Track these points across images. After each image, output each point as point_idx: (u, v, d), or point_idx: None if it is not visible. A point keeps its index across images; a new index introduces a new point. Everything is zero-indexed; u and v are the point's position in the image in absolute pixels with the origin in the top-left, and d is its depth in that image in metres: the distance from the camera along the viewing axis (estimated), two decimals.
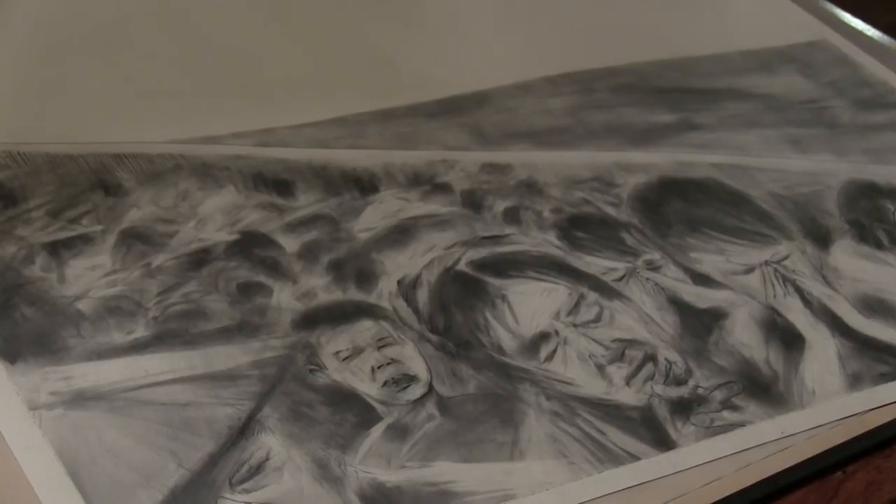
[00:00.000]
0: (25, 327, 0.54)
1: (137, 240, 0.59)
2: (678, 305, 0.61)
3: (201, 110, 0.68)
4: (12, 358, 0.52)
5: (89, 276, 0.57)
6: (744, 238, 0.65)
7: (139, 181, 0.62)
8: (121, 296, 0.56)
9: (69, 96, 0.68)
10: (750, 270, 0.63)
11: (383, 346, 0.56)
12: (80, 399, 0.51)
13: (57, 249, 0.58)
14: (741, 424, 0.55)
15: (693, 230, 0.65)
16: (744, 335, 0.60)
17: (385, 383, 0.54)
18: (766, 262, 0.64)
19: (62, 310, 0.55)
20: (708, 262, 0.63)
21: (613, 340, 0.58)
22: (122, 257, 0.58)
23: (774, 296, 0.62)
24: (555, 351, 0.57)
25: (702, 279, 0.62)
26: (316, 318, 0.56)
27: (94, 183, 0.62)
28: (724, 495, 0.53)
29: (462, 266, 0.61)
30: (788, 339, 0.60)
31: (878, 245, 0.66)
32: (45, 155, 0.63)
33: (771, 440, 0.55)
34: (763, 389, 0.57)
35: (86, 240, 0.58)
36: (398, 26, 0.78)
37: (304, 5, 0.78)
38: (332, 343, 0.55)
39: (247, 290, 0.57)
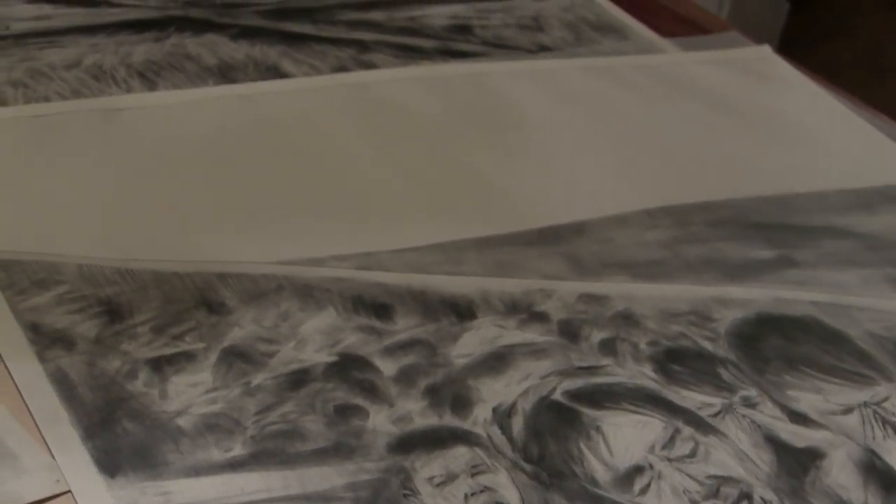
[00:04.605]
0: (127, 441, 0.55)
1: (238, 358, 0.60)
2: (774, 444, 0.60)
3: (304, 232, 0.69)
4: (113, 472, 0.53)
5: (190, 393, 0.58)
6: (842, 378, 0.65)
7: (242, 300, 0.63)
8: (220, 413, 0.57)
9: (175, 214, 0.69)
10: (848, 411, 0.63)
11: (477, 473, 0.56)
12: None
13: (160, 365, 0.59)
14: None
15: (791, 368, 0.65)
16: (841, 477, 0.59)
17: None
18: (865, 403, 0.63)
19: (163, 425, 0.56)
20: (805, 400, 0.63)
21: (708, 477, 0.58)
22: (223, 375, 0.59)
23: (874, 438, 0.61)
24: (649, 485, 0.57)
25: (799, 418, 0.62)
26: (411, 443, 0.57)
27: (198, 301, 0.63)
28: None
29: (557, 396, 0.61)
30: (888, 483, 0.59)
31: None
32: (151, 272, 0.64)
33: None
34: None
35: (188, 357, 0.60)
36: (499, 154, 0.79)
37: (408, 132, 0.80)
38: (427, 468, 0.56)
39: (343, 412, 0.58)
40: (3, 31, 0.84)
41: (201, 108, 0.79)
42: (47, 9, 0.88)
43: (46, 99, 0.78)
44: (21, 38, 0.84)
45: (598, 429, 0.59)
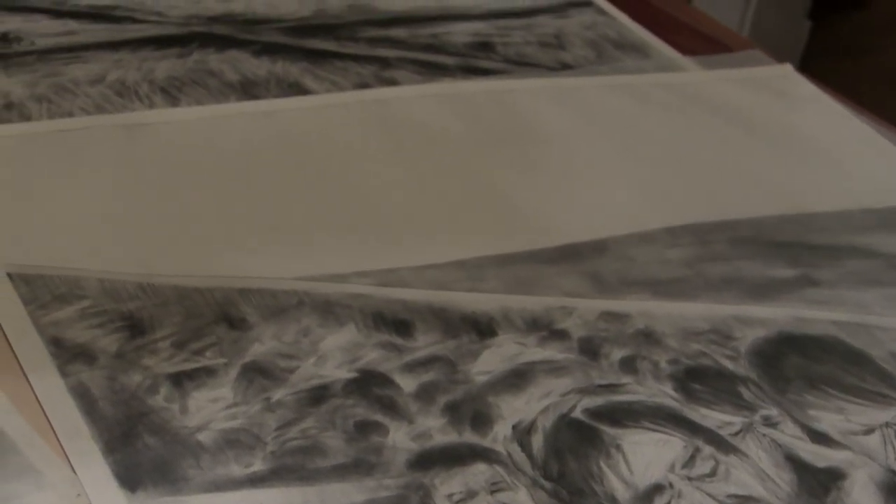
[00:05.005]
0: (147, 456, 0.55)
1: (259, 374, 0.60)
2: (795, 463, 0.60)
3: (326, 248, 0.69)
4: (133, 486, 0.53)
5: (211, 408, 0.58)
6: (864, 398, 0.64)
7: (263, 316, 0.63)
8: (240, 429, 0.57)
9: (197, 229, 0.70)
10: (870, 431, 0.62)
11: (496, 490, 0.56)
12: None
13: (181, 380, 0.59)
14: None
15: (812, 387, 0.65)
16: (862, 497, 0.59)
17: None
18: (887, 424, 0.63)
19: (183, 440, 0.56)
20: (827, 420, 0.63)
21: (729, 496, 0.57)
22: (244, 391, 0.59)
23: (895, 458, 0.61)
24: None
25: (820, 438, 0.61)
26: (431, 460, 0.57)
27: (219, 316, 0.63)
28: None
29: (577, 413, 0.61)
30: None
31: None
32: (173, 287, 0.65)
33: None
34: None
35: (209, 372, 0.60)
36: (520, 171, 0.79)
37: (429, 148, 0.80)
38: (446, 485, 0.56)
39: (363, 428, 0.58)
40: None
41: (223, 123, 0.79)
42: (72, 24, 0.88)
43: (70, 114, 0.78)
44: (45, 53, 0.85)
45: (618, 447, 0.59)
